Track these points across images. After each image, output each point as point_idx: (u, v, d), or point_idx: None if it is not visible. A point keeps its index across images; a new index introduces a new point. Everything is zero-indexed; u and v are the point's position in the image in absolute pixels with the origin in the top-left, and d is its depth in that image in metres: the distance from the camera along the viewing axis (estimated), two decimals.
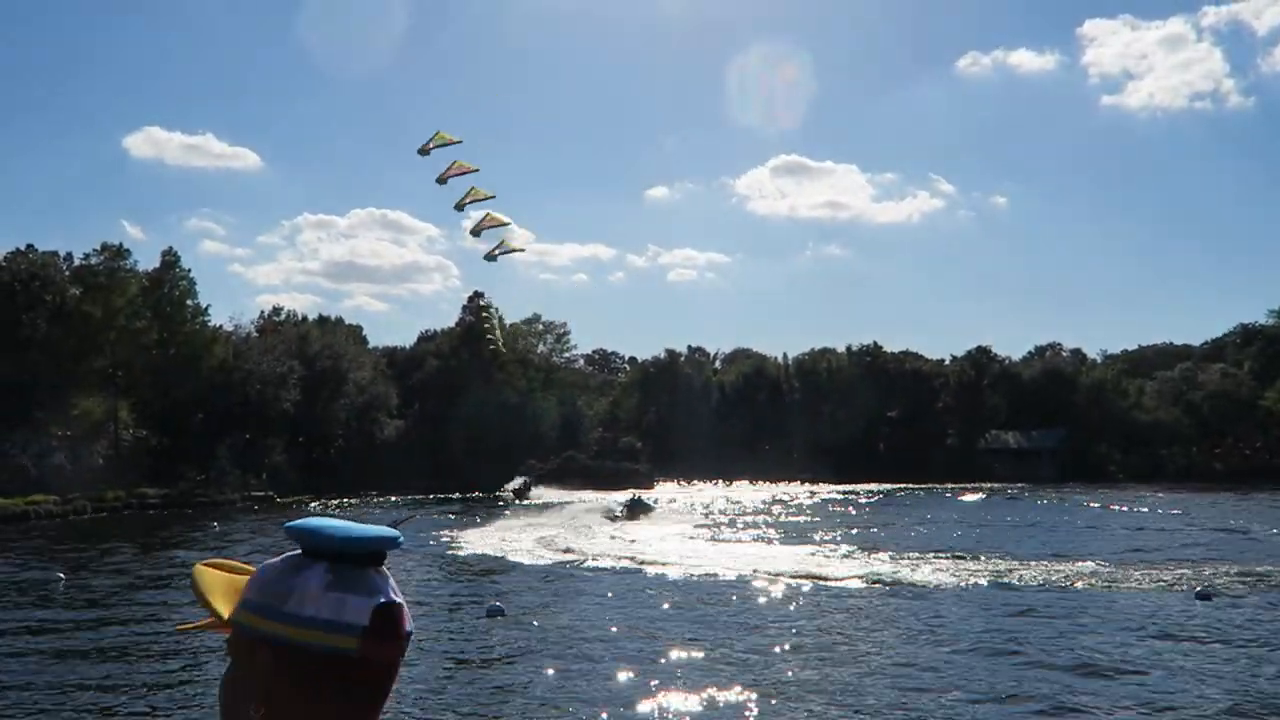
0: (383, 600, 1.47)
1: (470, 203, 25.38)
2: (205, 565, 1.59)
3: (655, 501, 59.62)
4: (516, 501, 64.29)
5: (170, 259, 71.03)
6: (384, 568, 1.53)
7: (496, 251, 28.36)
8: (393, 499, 64.83)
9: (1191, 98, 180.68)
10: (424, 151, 24.25)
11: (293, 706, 1.46)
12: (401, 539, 1.55)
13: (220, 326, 76.36)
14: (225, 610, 1.50)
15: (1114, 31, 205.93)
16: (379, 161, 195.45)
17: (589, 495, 69.39)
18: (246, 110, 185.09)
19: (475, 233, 27.19)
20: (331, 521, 1.54)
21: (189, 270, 71.58)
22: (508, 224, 27.70)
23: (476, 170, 24.79)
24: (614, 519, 51.14)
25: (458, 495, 68.95)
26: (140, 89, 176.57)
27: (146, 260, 71.93)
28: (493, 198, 25.59)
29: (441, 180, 24.41)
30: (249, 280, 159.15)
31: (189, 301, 70.93)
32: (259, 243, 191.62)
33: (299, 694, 1.46)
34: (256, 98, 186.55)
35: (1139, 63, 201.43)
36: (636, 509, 54.37)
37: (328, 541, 1.49)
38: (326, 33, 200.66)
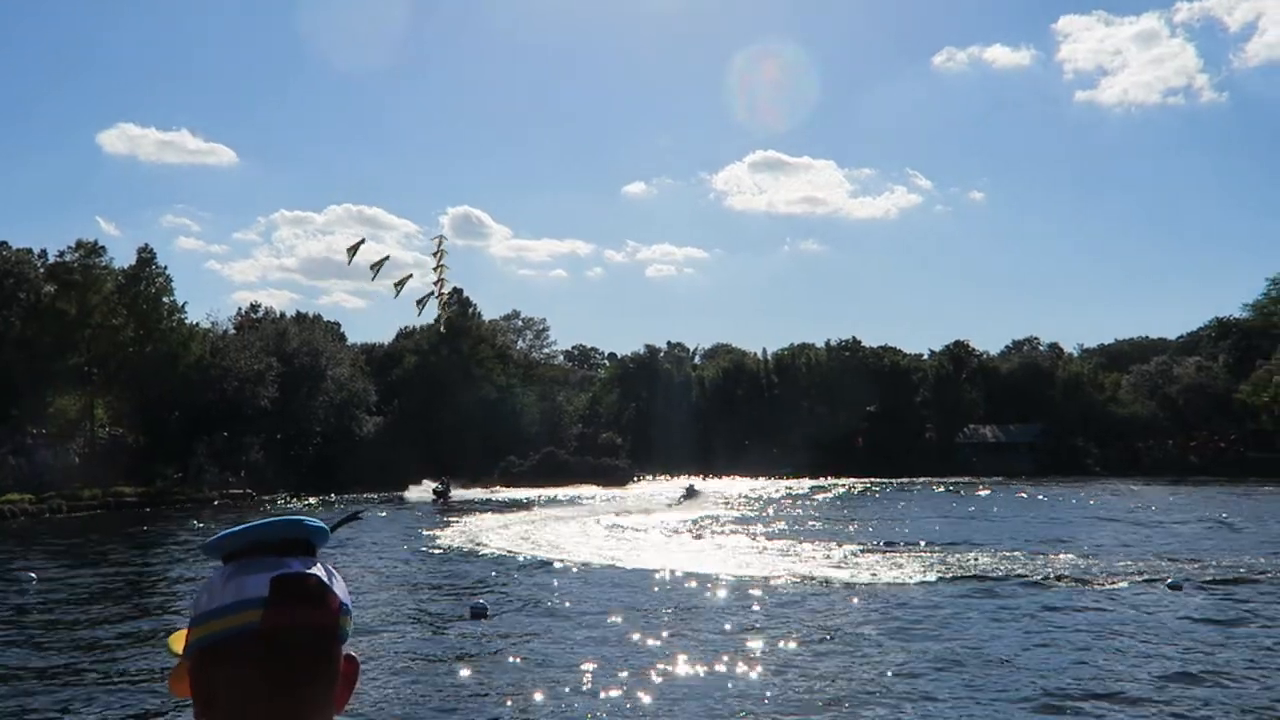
0: (282, 571, 1.47)
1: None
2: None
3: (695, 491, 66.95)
4: (438, 502, 62.01)
5: (146, 256, 70.52)
6: (314, 557, 1.53)
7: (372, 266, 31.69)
8: (374, 496, 64.61)
9: (1165, 93, 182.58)
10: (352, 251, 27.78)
11: (227, 706, 1.45)
12: (317, 525, 1.54)
13: (197, 324, 75.97)
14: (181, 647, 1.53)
15: (1088, 27, 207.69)
16: (356, 157, 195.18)
17: (520, 494, 69.13)
18: (222, 106, 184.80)
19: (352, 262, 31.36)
20: (241, 525, 1.55)
21: (165, 267, 71.14)
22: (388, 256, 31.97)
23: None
24: (671, 506, 58.21)
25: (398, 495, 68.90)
26: (114, 86, 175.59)
27: (122, 257, 71.59)
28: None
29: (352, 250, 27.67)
30: (225, 277, 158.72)
31: (165, 299, 70.43)
32: (235, 239, 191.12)
33: (226, 692, 1.45)
34: (233, 94, 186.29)
35: (1113, 58, 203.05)
36: (691, 496, 64.23)
37: (229, 541, 1.51)
38: (304, 29, 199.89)
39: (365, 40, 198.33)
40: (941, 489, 70.87)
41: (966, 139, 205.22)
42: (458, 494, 67.57)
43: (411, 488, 68.96)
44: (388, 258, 29.33)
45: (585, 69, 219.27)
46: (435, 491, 65.49)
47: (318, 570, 1.51)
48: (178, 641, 1.54)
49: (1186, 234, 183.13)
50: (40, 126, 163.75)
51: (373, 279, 30.25)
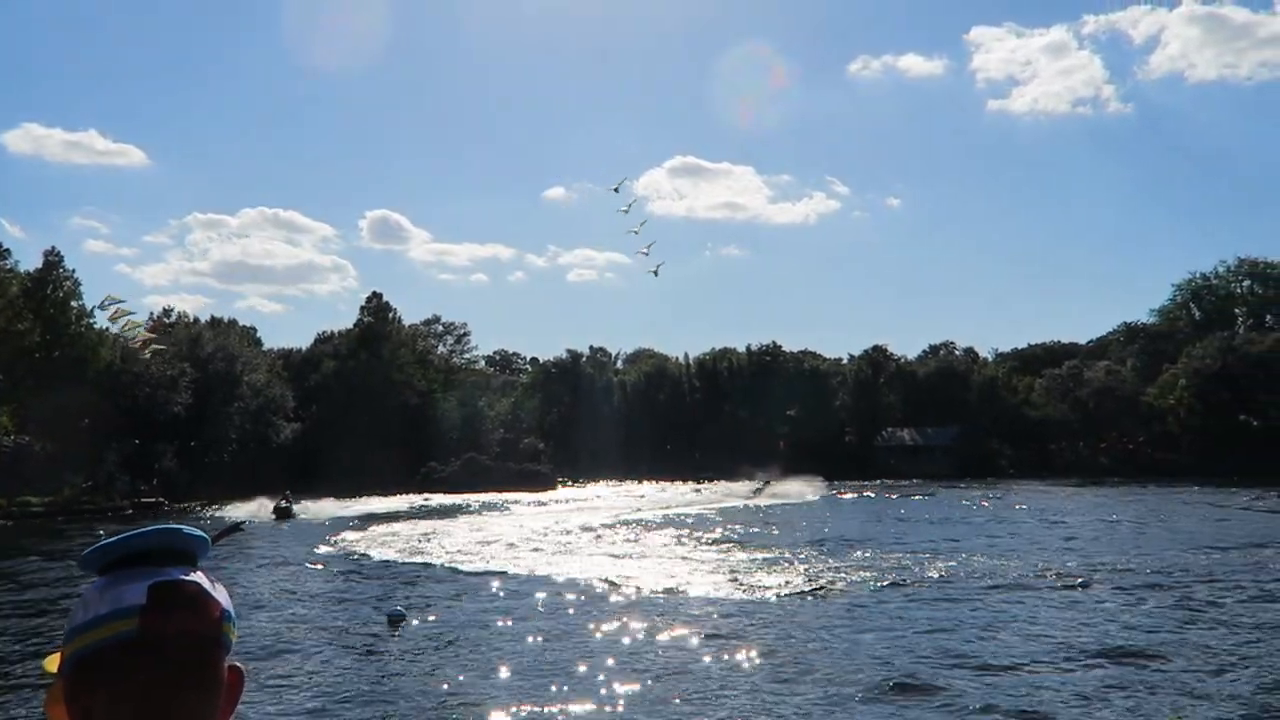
0: (159, 578, 1.44)
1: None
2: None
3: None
4: (279, 523, 49.91)
5: (53, 259, 68.61)
6: (194, 567, 1.50)
7: (125, 333, 35.55)
8: (282, 504, 63.27)
9: (1074, 103, 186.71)
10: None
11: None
12: (197, 534, 1.52)
13: (107, 329, 74.05)
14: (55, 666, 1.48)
15: (999, 39, 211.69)
16: (270, 159, 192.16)
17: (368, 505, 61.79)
18: (132, 107, 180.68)
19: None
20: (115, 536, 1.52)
21: (73, 270, 69.30)
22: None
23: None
24: (751, 495, 68.11)
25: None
26: (17, 85, 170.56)
27: (27, 261, 69.52)
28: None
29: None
30: (136, 281, 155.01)
31: (73, 303, 68.57)
32: (146, 242, 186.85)
33: (103, 708, 1.39)
34: (143, 95, 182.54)
35: (1023, 69, 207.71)
36: (764, 488, 71.56)
37: (105, 553, 1.48)
38: (217, 28, 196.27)
39: (280, 39, 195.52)
40: (851, 494, 71.74)
41: (882, 146, 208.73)
42: (318, 508, 56.13)
43: (238, 505, 57.86)
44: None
45: (506, 73, 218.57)
46: (276, 510, 53.59)
47: (198, 577, 1.48)
48: (53, 662, 1.48)
49: (1096, 240, 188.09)
50: None
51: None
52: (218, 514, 54.93)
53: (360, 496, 68.23)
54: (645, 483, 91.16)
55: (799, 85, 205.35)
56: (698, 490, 78.19)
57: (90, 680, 1.40)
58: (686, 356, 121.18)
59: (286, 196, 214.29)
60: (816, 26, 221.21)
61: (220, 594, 1.50)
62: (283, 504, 54.43)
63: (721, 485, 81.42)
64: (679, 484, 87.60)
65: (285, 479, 67.84)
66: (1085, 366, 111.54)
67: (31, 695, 15.34)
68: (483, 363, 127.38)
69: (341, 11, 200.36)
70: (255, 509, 55.01)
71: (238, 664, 1.54)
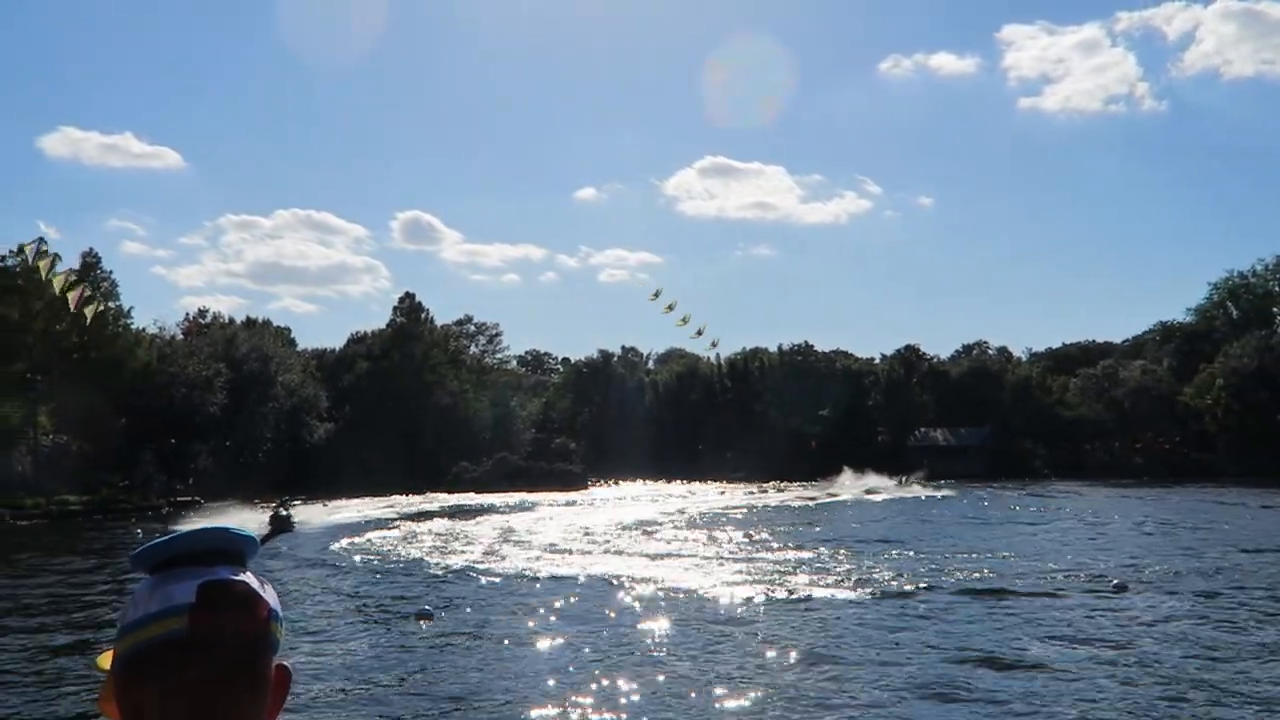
0: (209, 578, 1.46)
1: None
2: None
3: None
4: (267, 542, 34.84)
5: (91, 260, 69.57)
6: (243, 566, 1.52)
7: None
8: (322, 504, 63.71)
9: (1107, 101, 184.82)
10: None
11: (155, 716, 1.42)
12: (245, 534, 1.54)
13: (144, 330, 74.95)
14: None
15: (1031, 36, 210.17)
16: (303, 161, 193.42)
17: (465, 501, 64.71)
18: (168, 109, 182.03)
19: None
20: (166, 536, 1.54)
21: (110, 272, 70.24)
22: None
23: None
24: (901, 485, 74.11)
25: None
26: (55, 89, 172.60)
27: (65, 262, 70.18)
28: None
29: None
30: (171, 282, 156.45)
31: (111, 304, 69.48)
32: (181, 244, 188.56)
33: (153, 705, 1.41)
34: (178, 97, 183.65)
35: (1056, 67, 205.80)
36: (910, 482, 75.51)
37: (155, 553, 1.50)
38: (251, 30, 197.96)
39: (314, 42, 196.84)
40: (882, 496, 71.37)
41: (914, 145, 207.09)
42: (347, 507, 48.25)
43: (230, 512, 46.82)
44: None
45: (535, 73, 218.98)
46: (273, 520, 40.42)
47: (247, 577, 1.50)
48: (106, 659, 1.51)
49: (1131, 239, 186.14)
50: None
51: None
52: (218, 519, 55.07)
53: (391, 495, 68.71)
54: (677, 483, 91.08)
55: (830, 84, 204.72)
56: (729, 490, 78.11)
57: (141, 677, 1.42)
58: (718, 356, 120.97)
59: (319, 198, 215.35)
60: (847, 25, 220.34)
61: (269, 594, 1.52)
62: (282, 513, 41.60)
63: (770, 485, 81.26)
64: (711, 484, 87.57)
65: (292, 482, 67.16)
66: (1120, 366, 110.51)
67: (75, 690, 15.55)
68: (514, 363, 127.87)
69: (374, 14, 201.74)
70: (251, 516, 44.75)
71: (285, 663, 1.55)
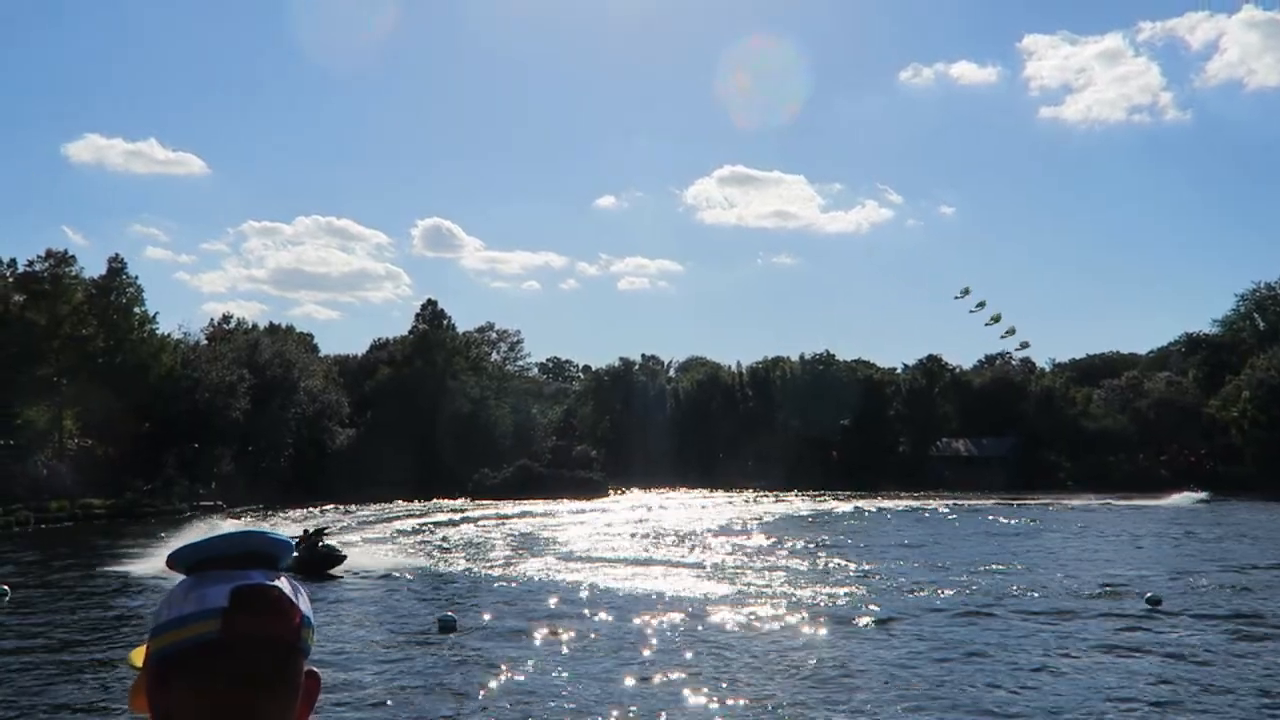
0: (242, 582, 1.46)
1: None
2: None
3: None
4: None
5: (117, 266, 70.02)
6: (277, 570, 1.52)
7: None
8: (342, 509, 63.89)
9: (1130, 110, 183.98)
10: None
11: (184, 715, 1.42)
12: (280, 538, 1.54)
13: (168, 335, 75.37)
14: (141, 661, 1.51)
15: (1053, 45, 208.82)
16: (324, 168, 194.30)
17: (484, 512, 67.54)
18: (191, 116, 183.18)
19: None
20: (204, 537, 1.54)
21: (135, 277, 70.66)
22: None
23: None
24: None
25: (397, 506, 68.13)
26: (80, 96, 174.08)
27: (90, 268, 70.83)
28: None
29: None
30: (194, 288, 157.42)
31: (136, 309, 69.92)
32: (204, 250, 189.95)
33: (184, 706, 1.42)
34: (201, 103, 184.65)
35: (1078, 76, 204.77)
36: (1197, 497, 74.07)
37: (191, 553, 1.50)
38: (273, 38, 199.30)
39: (336, 49, 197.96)
40: (909, 505, 70.91)
41: (935, 154, 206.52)
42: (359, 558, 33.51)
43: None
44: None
45: (556, 82, 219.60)
46: (308, 546, 30.88)
47: (281, 583, 1.49)
48: (139, 656, 1.52)
49: (1155, 250, 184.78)
50: (6, 137, 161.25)
51: None
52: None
53: (412, 501, 68.86)
54: (697, 491, 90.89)
55: (850, 93, 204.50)
56: (752, 500, 77.88)
57: (172, 677, 1.43)
58: (739, 365, 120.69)
59: (340, 205, 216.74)
60: (868, 35, 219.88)
61: (302, 600, 1.51)
62: (322, 547, 31.95)
63: (808, 496, 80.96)
64: (732, 493, 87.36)
65: (313, 488, 65.85)
66: (1145, 377, 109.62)
67: (101, 681, 15.61)
68: (535, 370, 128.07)
69: (395, 24, 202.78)
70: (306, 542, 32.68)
71: (315, 669, 1.55)
